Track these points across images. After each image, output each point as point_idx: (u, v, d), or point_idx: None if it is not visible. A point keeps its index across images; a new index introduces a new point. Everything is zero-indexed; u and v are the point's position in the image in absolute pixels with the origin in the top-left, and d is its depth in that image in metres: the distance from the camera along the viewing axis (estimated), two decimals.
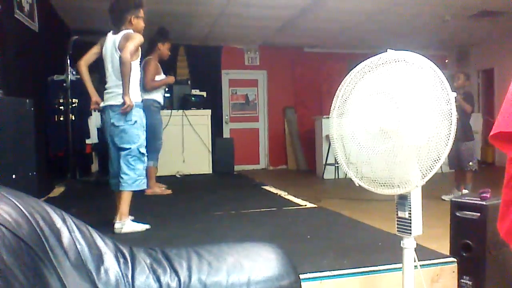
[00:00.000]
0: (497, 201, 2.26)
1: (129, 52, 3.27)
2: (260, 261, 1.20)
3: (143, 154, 3.45)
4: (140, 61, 3.58)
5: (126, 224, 3.37)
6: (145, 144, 3.50)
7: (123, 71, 3.30)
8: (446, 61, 10.31)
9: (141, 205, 4.47)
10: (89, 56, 3.59)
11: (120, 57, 3.33)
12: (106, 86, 3.51)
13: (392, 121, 1.68)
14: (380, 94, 1.73)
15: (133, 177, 3.37)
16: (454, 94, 1.63)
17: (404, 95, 1.68)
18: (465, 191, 5.25)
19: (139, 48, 3.47)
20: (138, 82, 3.56)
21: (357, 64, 1.83)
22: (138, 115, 3.42)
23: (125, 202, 3.39)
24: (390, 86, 1.70)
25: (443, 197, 5.38)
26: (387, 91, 1.71)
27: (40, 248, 0.93)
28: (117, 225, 3.35)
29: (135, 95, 3.43)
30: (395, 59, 1.72)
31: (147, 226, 3.48)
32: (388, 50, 1.73)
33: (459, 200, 2.55)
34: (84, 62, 3.56)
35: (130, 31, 3.46)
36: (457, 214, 2.49)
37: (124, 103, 3.30)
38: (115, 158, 3.50)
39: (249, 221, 3.85)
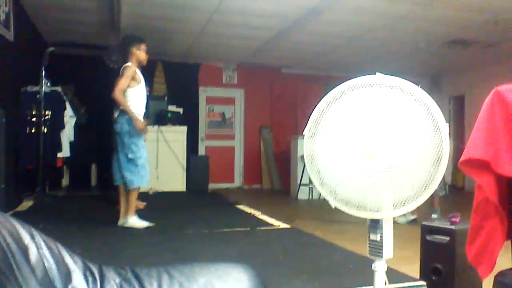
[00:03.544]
0: (466, 225, 2.30)
1: (117, 89, 4.01)
2: (232, 282, 1.19)
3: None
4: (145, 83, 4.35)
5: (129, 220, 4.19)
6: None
7: (117, 104, 4.11)
8: (419, 86, 10.55)
9: (114, 219, 4.39)
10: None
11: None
12: None
13: (382, 144, 1.67)
14: (367, 117, 1.72)
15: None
16: (447, 125, 1.61)
17: (397, 120, 1.66)
18: (434, 216, 5.31)
19: (135, 74, 4.15)
20: (143, 105, 4.24)
21: (333, 87, 1.83)
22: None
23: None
24: (382, 109, 1.69)
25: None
26: (376, 114, 1.70)
27: (5, 264, 0.91)
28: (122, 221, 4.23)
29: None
30: (381, 84, 1.71)
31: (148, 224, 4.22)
32: (377, 73, 1.74)
33: (430, 224, 2.59)
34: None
35: (128, 64, 4.15)
36: (427, 238, 2.53)
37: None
38: None
39: (222, 241, 3.82)
